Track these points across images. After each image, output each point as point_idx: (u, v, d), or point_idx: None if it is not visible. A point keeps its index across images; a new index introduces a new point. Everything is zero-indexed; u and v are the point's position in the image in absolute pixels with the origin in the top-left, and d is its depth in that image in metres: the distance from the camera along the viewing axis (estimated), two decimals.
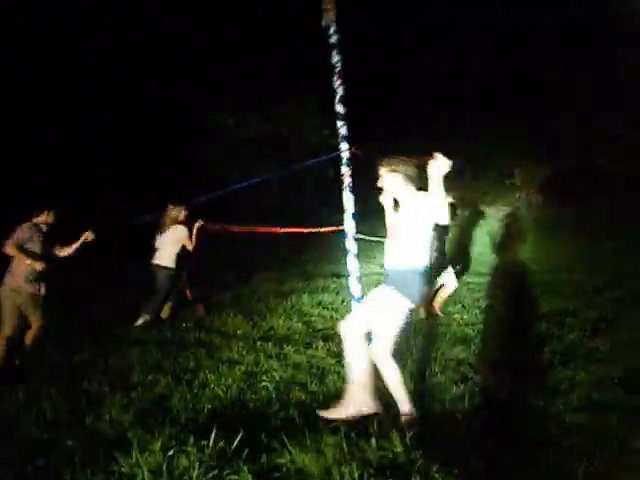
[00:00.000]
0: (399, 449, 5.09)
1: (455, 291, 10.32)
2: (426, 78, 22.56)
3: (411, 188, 6.07)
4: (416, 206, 5.88)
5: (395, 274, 5.96)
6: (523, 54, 21.30)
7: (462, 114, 22.29)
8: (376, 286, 10.82)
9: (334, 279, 13.59)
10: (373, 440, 5.18)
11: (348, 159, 8.54)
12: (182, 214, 10.61)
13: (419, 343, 8.53)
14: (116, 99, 17.84)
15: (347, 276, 8.95)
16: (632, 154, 19.23)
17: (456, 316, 9.88)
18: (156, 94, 18.66)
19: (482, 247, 15.81)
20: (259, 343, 8.87)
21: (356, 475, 4.68)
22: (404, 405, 5.76)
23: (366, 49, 20.11)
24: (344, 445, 5.15)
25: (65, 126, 17.07)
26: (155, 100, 18.69)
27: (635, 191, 17.93)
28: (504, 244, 14.48)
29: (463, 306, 10.35)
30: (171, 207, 10.56)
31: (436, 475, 4.65)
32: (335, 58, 8.52)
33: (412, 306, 5.86)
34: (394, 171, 6.15)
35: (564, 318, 9.30)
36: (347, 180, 8.56)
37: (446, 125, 22.39)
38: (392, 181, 6.18)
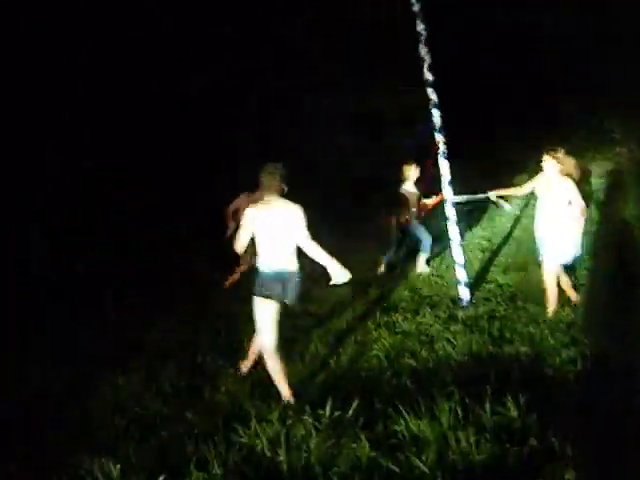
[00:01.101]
0: (514, 413, 5.10)
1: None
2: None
3: None
4: None
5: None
6: None
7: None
8: (480, 251, 10.84)
9: (436, 246, 13.55)
10: (487, 405, 5.19)
11: (441, 126, 8.54)
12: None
13: (527, 307, 8.47)
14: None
15: (449, 242, 8.97)
16: None
17: (563, 278, 9.72)
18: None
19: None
20: (368, 312, 8.93)
21: (472, 440, 4.71)
22: (284, 392, 6.13)
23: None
24: (458, 410, 5.19)
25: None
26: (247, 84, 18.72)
27: None
28: (607, 202, 14.19)
29: (570, 268, 10.17)
30: None
31: (552, 439, 4.65)
32: (420, 26, 8.51)
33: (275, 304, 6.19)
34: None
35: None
36: (442, 147, 8.57)
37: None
38: None
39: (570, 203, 7.79)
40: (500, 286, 9.76)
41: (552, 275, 8.17)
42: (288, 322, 8.67)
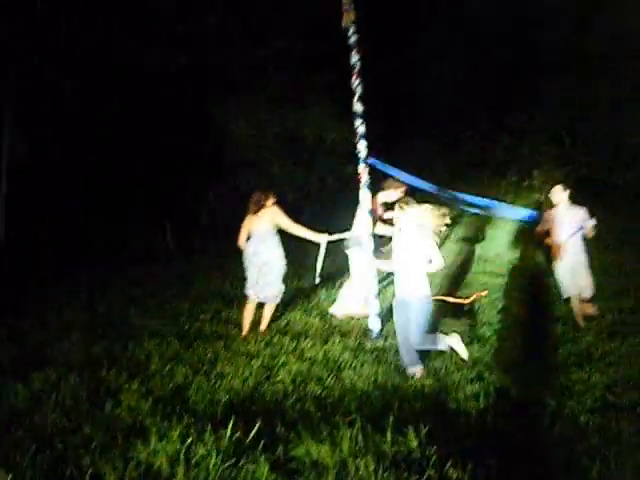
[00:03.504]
0: (414, 443, 5.15)
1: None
2: (437, 80, 22.73)
3: None
4: None
5: None
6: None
7: (478, 114, 22.35)
8: (393, 284, 10.94)
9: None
10: (388, 434, 5.24)
11: (365, 158, 8.64)
12: None
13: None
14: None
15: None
16: None
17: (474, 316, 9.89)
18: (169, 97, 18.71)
19: (499, 248, 15.87)
20: (276, 337, 8.92)
21: (371, 468, 4.74)
22: None
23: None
24: (360, 438, 5.22)
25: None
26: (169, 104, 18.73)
27: None
28: (522, 246, 14.52)
29: (480, 306, 10.35)
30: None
31: (450, 470, 4.71)
32: (354, 58, 8.63)
33: None
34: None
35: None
36: (364, 178, 8.67)
37: (460, 125, 22.44)
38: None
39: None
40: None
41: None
42: (199, 342, 8.68)
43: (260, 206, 9.21)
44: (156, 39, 17.95)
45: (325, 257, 9.37)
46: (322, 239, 9.22)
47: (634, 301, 10.18)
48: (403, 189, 9.66)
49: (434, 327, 7.77)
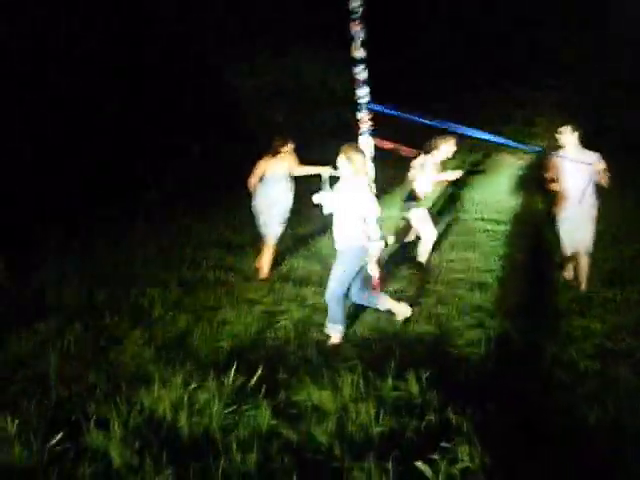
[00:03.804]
0: (414, 389, 5.20)
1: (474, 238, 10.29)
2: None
3: None
4: None
5: None
6: None
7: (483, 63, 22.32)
8: (395, 229, 10.95)
9: None
10: (389, 380, 5.28)
11: (367, 104, 8.56)
12: None
13: (438, 288, 8.60)
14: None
15: None
16: None
17: (474, 262, 9.90)
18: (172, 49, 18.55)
19: (502, 194, 15.82)
20: (278, 284, 8.96)
21: (372, 413, 4.80)
22: None
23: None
24: (360, 383, 5.27)
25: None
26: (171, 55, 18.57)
27: None
28: (523, 192, 14.47)
29: (481, 253, 10.37)
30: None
31: (450, 415, 4.76)
32: (354, 3, 8.51)
33: None
34: None
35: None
36: (365, 125, 8.59)
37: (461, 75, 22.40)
38: None
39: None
40: (412, 267, 9.87)
41: None
42: (201, 287, 8.72)
43: (278, 151, 9.35)
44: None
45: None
46: (327, 171, 9.24)
47: (633, 249, 10.17)
48: (453, 141, 9.72)
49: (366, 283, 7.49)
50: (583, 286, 8.34)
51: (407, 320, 7.24)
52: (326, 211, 7.01)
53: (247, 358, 6.17)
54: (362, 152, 7.12)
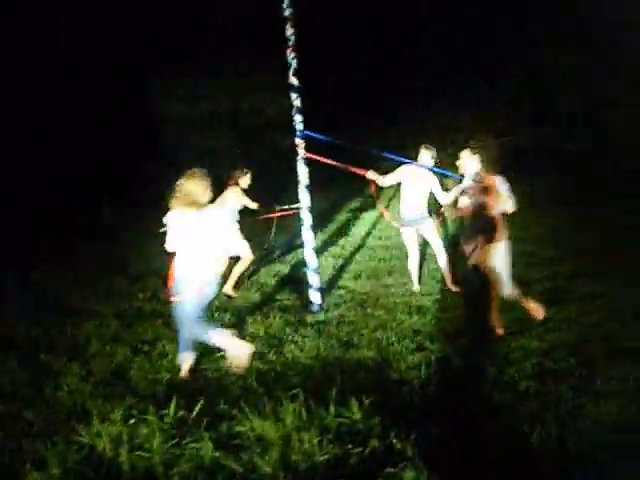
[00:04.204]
0: (357, 415, 5.17)
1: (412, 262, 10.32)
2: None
3: None
4: None
5: None
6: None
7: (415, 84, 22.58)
8: (333, 257, 10.98)
9: (290, 250, 13.59)
10: (332, 407, 5.25)
11: (302, 132, 8.60)
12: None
13: (378, 313, 8.62)
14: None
15: (302, 247, 9.04)
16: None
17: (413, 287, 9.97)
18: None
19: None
20: (217, 314, 8.90)
21: (315, 441, 4.76)
22: None
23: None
24: (303, 412, 5.23)
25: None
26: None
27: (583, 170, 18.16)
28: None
29: (419, 277, 10.44)
30: None
31: (394, 441, 4.74)
32: (289, 31, 8.57)
33: None
34: None
35: (518, 288, 9.41)
36: (301, 152, 8.62)
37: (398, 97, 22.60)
38: None
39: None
40: (351, 292, 9.90)
41: None
42: (138, 322, 8.61)
43: (237, 182, 9.45)
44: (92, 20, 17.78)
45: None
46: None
47: (570, 268, 10.31)
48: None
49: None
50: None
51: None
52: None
53: (187, 390, 6.11)
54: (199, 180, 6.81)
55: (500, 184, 8.08)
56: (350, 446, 4.73)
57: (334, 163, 9.53)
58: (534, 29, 20.04)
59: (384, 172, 9.75)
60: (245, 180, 10.14)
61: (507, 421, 5.26)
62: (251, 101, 21.03)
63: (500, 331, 7.64)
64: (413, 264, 9.97)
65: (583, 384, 5.86)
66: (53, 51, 17.34)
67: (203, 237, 6.68)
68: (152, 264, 11.99)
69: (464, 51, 21.16)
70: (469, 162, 8.59)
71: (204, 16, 19.75)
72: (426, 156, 9.68)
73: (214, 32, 20.07)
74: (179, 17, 19.57)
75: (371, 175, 9.60)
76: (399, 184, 9.72)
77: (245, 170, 10.18)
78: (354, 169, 9.65)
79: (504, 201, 8.02)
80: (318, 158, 9.31)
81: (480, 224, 7.86)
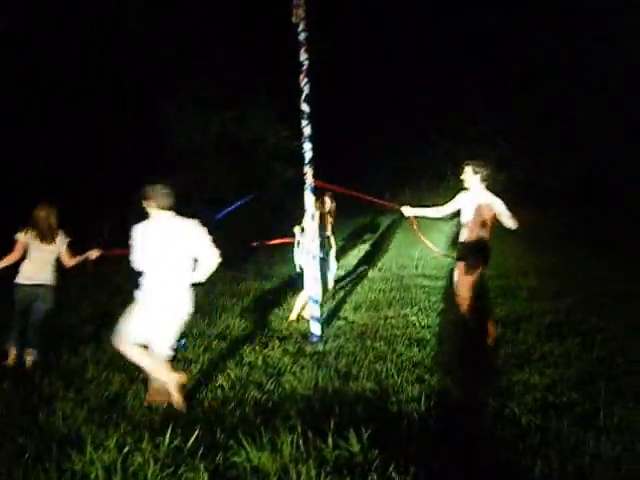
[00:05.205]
0: (356, 448, 5.10)
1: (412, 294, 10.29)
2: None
3: None
4: None
5: None
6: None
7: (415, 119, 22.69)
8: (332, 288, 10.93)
9: (289, 280, 13.55)
10: (330, 439, 5.17)
11: (310, 159, 8.56)
12: None
13: (377, 345, 8.55)
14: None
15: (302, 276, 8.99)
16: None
17: (413, 318, 9.91)
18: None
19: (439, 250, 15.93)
20: (215, 342, 8.83)
21: (313, 473, 4.68)
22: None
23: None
24: (300, 443, 5.15)
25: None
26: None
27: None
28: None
29: (420, 309, 10.40)
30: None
31: (393, 474, 4.66)
32: (303, 56, 8.55)
33: None
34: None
35: (519, 322, 9.37)
36: (309, 180, 8.59)
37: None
38: None
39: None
40: (350, 323, 9.84)
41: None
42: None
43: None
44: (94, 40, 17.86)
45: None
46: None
47: (571, 302, 10.28)
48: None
49: None
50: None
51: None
52: None
53: (183, 419, 6.02)
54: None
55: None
56: (348, 479, 4.65)
57: (344, 191, 9.51)
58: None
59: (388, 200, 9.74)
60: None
61: (508, 455, 5.19)
62: (252, 130, 21.06)
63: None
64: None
65: (585, 419, 5.81)
66: (47, 83, 17.43)
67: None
68: None
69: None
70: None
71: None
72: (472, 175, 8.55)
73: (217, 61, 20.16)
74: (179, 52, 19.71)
75: (408, 212, 9.41)
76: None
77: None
78: (374, 200, 9.65)
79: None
80: (328, 186, 9.29)
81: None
